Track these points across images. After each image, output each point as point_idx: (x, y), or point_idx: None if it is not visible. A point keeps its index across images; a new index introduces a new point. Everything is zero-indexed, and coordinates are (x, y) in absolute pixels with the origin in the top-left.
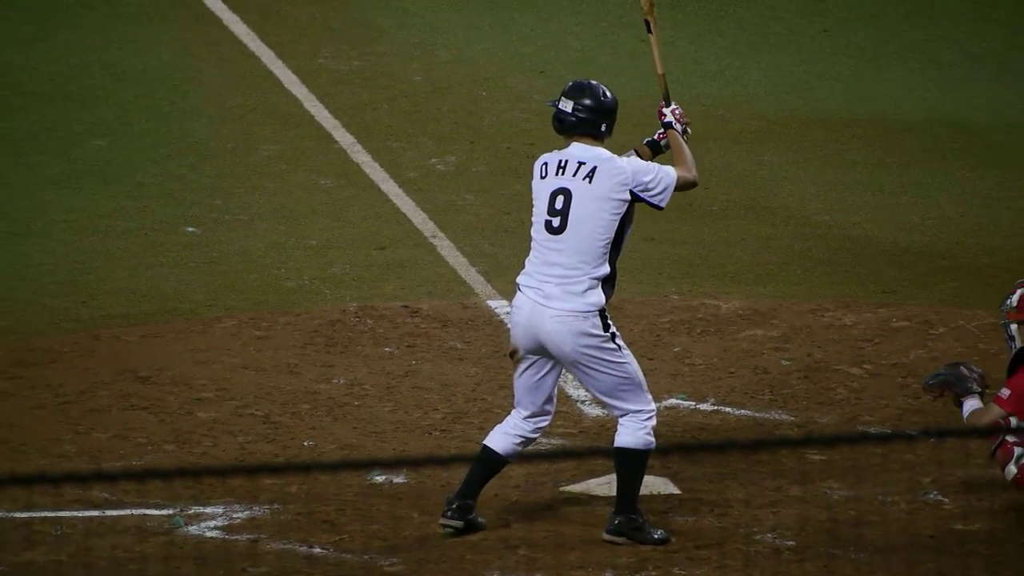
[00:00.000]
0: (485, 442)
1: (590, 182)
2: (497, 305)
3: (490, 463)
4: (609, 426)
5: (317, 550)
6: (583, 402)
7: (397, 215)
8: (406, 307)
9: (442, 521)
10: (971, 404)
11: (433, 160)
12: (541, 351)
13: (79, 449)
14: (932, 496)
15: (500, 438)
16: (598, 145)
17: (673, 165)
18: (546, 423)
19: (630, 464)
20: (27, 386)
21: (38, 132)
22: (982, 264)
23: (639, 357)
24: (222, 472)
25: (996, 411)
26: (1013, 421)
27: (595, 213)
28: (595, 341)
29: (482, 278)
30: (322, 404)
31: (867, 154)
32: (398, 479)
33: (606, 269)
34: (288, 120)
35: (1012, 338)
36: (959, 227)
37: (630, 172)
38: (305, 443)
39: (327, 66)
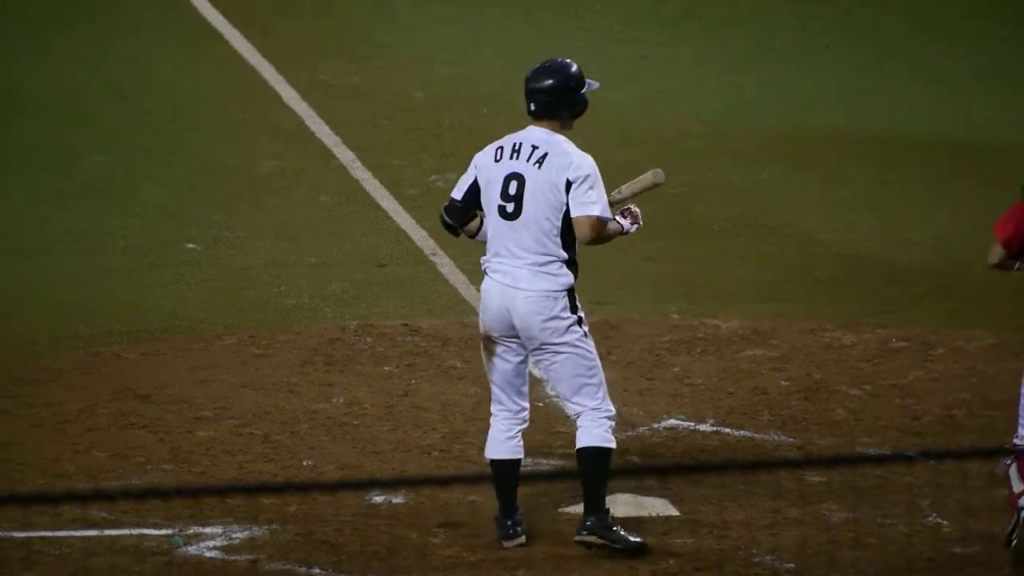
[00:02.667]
0: (489, 456)
1: (540, 167)
2: None
3: (506, 471)
4: None
5: (316, 570)
6: None
7: (397, 232)
8: (406, 325)
9: (508, 544)
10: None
11: (433, 177)
12: (513, 335)
13: (78, 468)
14: (931, 518)
15: (499, 446)
16: (558, 130)
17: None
18: (527, 412)
19: (594, 463)
20: (25, 404)
21: (37, 148)
22: (982, 283)
23: (638, 377)
24: (221, 492)
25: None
26: None
27: (544, 199)
28: (563, 324)
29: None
30: (321, 423)
31: (867, 171)
32: (397, 499)
33: (564, 253)
34: (288, 136)
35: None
36: (960, 246)
37: (575, 164)
38: (304, 463)
39: (327, 81)
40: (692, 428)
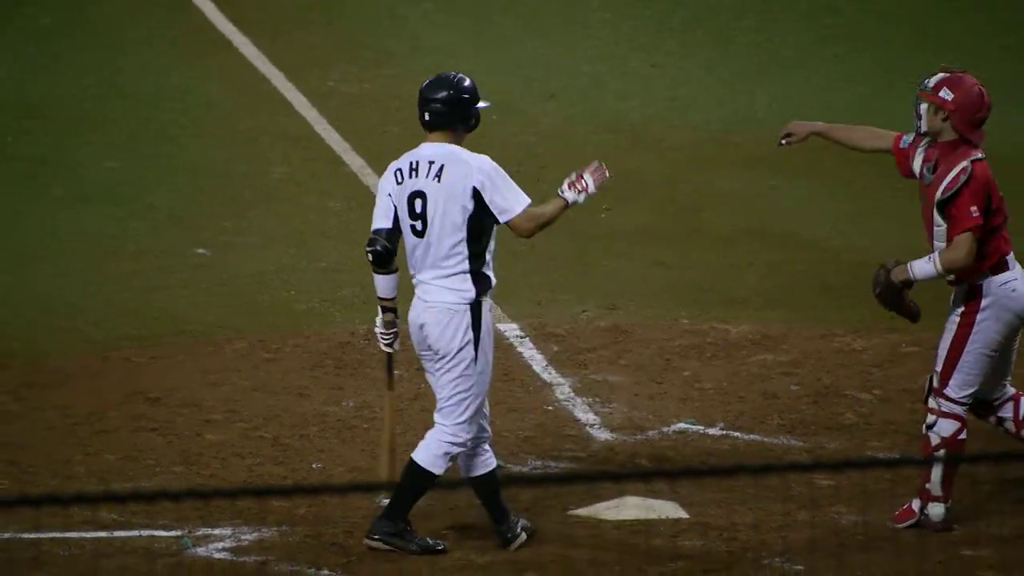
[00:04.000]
0: (462, 475)
1: (439, 181)
2: (506, 328)
3: (480, 488)
4: (619, 450)
5: (325, 572)
6: (592, 426)
7: None
8: None
9: (512, 548)
10: (918, 265)
11: None
12: (429, 349)
13: (88, 470)
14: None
15: (464, 462)
16: (453, 142)
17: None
18: (485, 422)
19: (410, 478)
20: (36, 407)
21: (48, 154)
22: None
23: (648, 381)
24: (231, 494)
25: (969, 241)
26: None
27: (447, 211)
28: (457, 340)
29: (491, 301)
30: (331, 426)
31: (877, 179)
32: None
33: (468, 264)
34: (298, 143)
35: (920, 117)
36: None
37: (475, 168)
38: (314, 465)
39: (337, 89)
40: (702, 432)
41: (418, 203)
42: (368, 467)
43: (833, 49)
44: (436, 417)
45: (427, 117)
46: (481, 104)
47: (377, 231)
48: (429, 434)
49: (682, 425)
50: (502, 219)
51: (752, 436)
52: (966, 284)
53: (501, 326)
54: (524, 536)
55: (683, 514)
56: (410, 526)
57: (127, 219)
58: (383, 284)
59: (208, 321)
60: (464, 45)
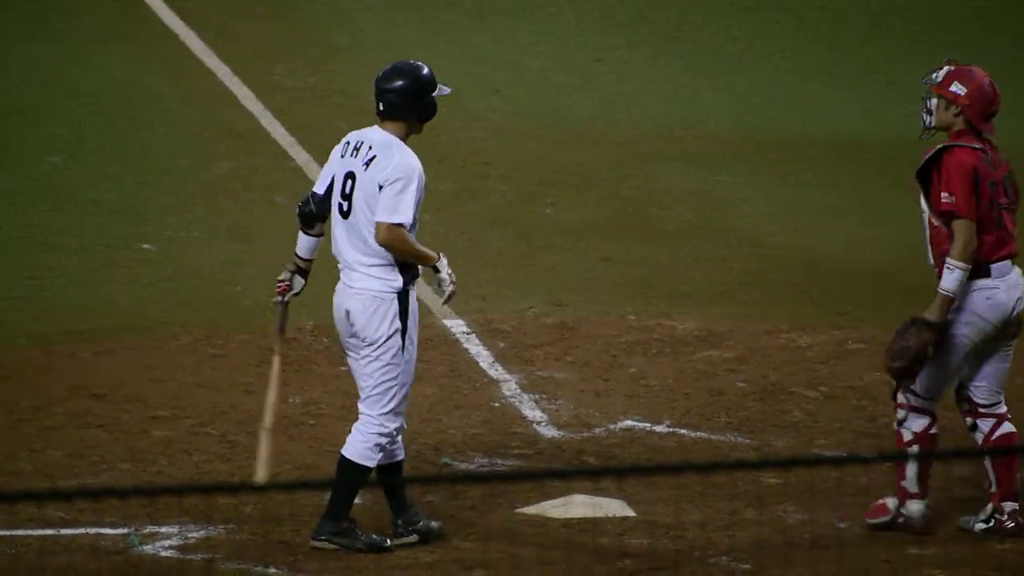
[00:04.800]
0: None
1: (367, 168)
2: (453, 325)
3: (384, 476)
4: (566, 448)
5: (272, 570)
6: (539, 423)
7: None
8: None
9: (395, 543)
10: (944, 280)
11: None
12: (354, 334)
13: (34, 467)
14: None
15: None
16: (406, 132)
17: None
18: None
19: (343, 475)
20: None
21: None
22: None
23: (594, 378)
24: (178, 491)
25: (965, 226)
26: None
27: (367, 200)
28: (384, 329)
29: (437, 298)
30: (278, 423)
31: (821, 175)
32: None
33: (393, 256)
34: (244, 137)
35: (930, 112)
36: (913, 248)
37: (393, 167)
38: None
39: (283, 83)
40: (648, 429)
41: (348, 184)
42: (315, 463)
43: (778, 43)
44: (361, 407)
45: (381, 107)
46: (442, 90)
47: (313, 193)
48: (355, 427)
49: (628, 422)
50: (376, 217)
51: (699, 433)
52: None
53: (447, 322)
54: (414, 538)
55: (630, 512)
56: (354, 524)
57: (71, 213)
58: (303, 243)
59: (153, 316)
60: (410, 40)
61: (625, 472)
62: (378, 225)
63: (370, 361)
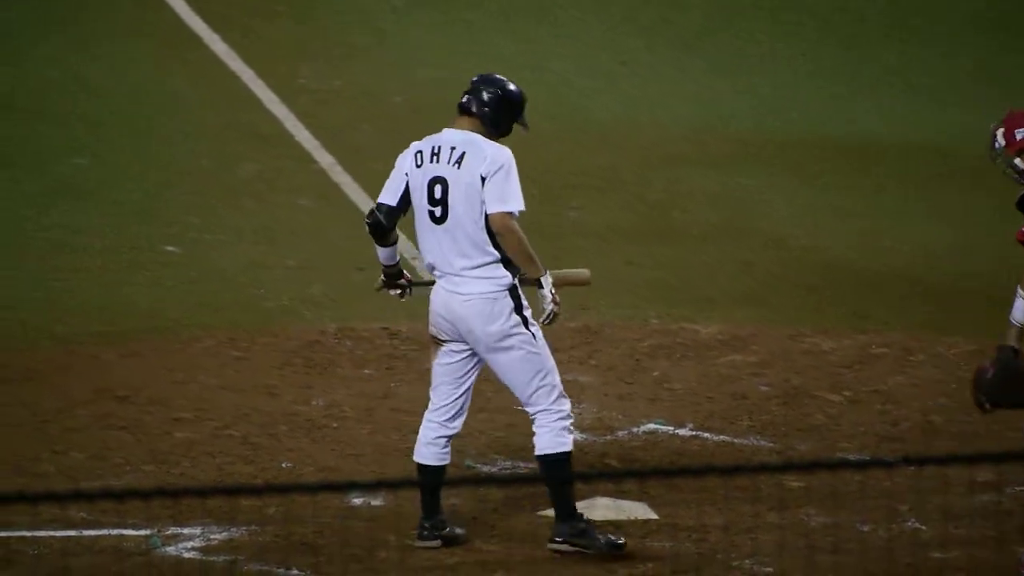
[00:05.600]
0: (415, 459)
1: (459, 167)
2: None
3: (429, 477)
4: (589, 451)
5: (295, 572)
6: None
7: None
8: (385, 329)
9: (419, 544)
10: (1017, 309)
11: None
12: (459, 339)
13: (57, 468)
14: (910, 524)
15: (423, 449)
16: (479, 131)
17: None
18: (461, 421)
19: (553, 470)
20: (3, 403)
21: (14, 149)
22: (959, 289)
23: (617, 381)
24: (200, 493)
25: None
26: None
27: (467, 199)
28: (507, 325)
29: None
30: (300, 425)
31: (843, 178)
32: (376, 501)
33: (498, 252)
34: (268, 139)
35: (1020, 172)
36: (935, 251)
37: (489, 158)
38: (283, 464)
39: (307, 86)
40: (671, 432)
41: (438, 189)
42: (337, 466)
43: (801, 46)
44: (529, 409)
45: (464, 99)
46: (523, 121)
47: (379, 205)
48: (536, 427)
49: (652, 425)
50: (488, 208)
51: (722, 437)
52: None
53: None
54: (437, 543)
55: (653, 515)
56: (591, 524)
57: (94, 214)
58: (383, 254)
59: (176, 318)
60: (433, 42)
61: (648, 475)
62: (491, 216)
63: (512, 361)
